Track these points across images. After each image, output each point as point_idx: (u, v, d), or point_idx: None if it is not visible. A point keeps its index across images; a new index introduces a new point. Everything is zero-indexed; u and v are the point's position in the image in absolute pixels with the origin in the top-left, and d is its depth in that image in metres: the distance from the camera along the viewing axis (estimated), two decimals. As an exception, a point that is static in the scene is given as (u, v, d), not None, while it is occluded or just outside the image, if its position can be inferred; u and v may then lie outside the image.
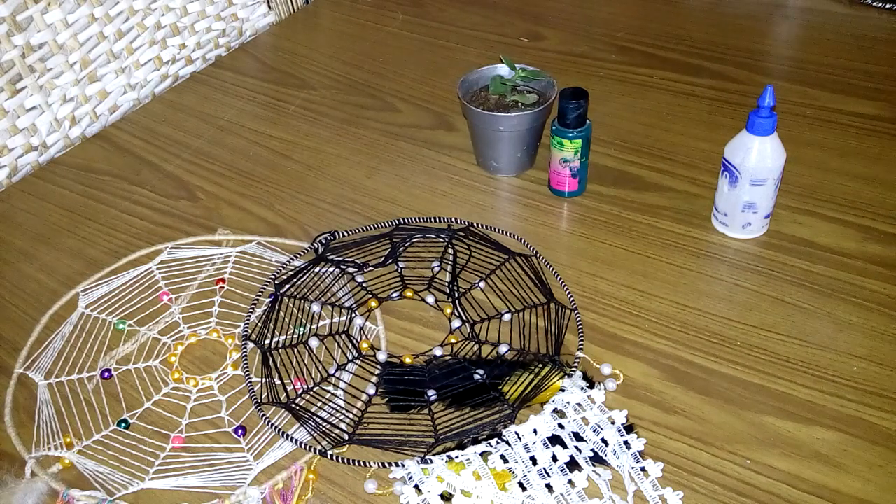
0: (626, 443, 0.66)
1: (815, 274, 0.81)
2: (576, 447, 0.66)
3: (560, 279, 0.82)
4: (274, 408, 0.72)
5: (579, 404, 0.69)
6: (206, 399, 0.74)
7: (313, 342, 0.77)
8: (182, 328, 0.80)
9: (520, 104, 0.92)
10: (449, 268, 0.84)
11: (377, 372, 0.74)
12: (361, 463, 0.66)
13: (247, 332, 0.79)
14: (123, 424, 0.71)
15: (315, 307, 0.81)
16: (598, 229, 0.88)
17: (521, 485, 0.63)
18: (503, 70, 0.97)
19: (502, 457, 0.65)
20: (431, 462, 0.65)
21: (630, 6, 1.31)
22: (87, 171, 1.03)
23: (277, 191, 0.97)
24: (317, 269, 0.85)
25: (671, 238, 0.86)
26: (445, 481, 0.63)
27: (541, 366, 0.72)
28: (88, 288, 0.85)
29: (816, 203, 0.89)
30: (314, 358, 0.76)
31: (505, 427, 0.67)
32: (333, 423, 0.70)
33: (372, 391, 0.73)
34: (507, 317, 0.79)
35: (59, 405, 0.74)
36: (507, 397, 0.70)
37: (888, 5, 1.23)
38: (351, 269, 0.85)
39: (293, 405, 0.71)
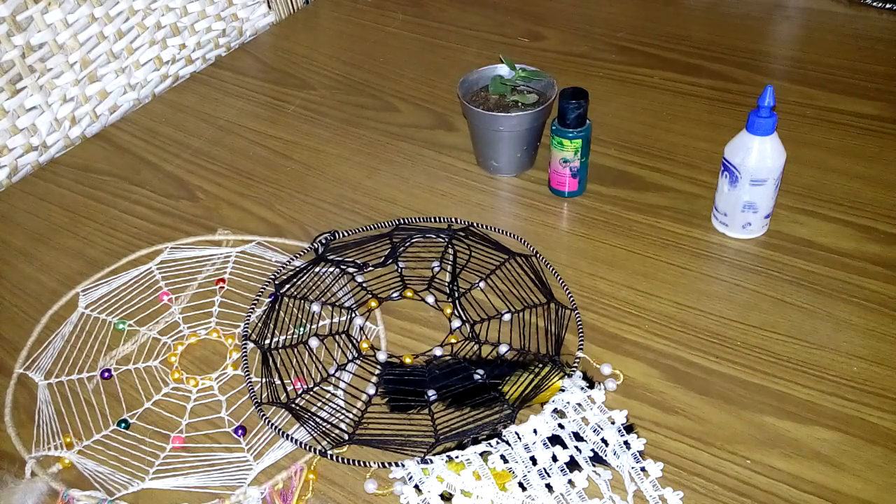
0: (626, 443, 0.66)
1: (815, 274, 0.81)
2: (576, 447, 0.66)
3: (560, 279, 0.82)
4: (274, 408, 0.72)
5: (579, 404, 0.69)
6: (206, 399, 0.74)
7: (313, 342, 0.77)
8: (182, 328, 0.80)
9: (520, 104, 0.92)
10: (449, 268, 0.84)
11: (377, 372, 0.74)
12: (361, 463, 0.66)
13: (247, 332, 0.79)
14: (123, 424, 0.71)
15: (315, 307, 0.81)
16: (598, 229, 0.88)
17: (521, 485, 0.63)
18: (503, 70, 0.97)
19: (502, 457, 0.65)
20: (431, 462, 0.65)
21: (630, 6, 1.31)
22: (87, 171, 1.03)
23: (277, 191, 0.97)
24: (317, 269, 0.85)
25: (671, 238, 0.86)
26: (445, 481, 0.63)
27: (541, 366, 0.72)
28: (88, 288, 0.85)
29: (816, 203, 0.89)
30: (314, 358, 0.76)
31: (505, 427, 0.67)
32: (333, 423, 0.70)
33: (372, 391, 0.73)
34: (507, 317, 0.79)
35: (59, 405, 0.74)
36: (507, 397, 0.70)
37: (888, 5, 1.23)
38: (351, 269, 0.85)
39: (293, 405, 0.71)
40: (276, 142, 1.06)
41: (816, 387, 0.70)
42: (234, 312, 0.82)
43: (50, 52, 1.04)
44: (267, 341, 0.77)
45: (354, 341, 0.78)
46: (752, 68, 1.13)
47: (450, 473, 0.64)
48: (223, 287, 0.84)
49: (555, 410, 0.69)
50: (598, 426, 0.67)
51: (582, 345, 0.75)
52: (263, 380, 0.74)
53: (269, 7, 1.33)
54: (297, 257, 0.87)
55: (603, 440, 0.66)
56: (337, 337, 0.78)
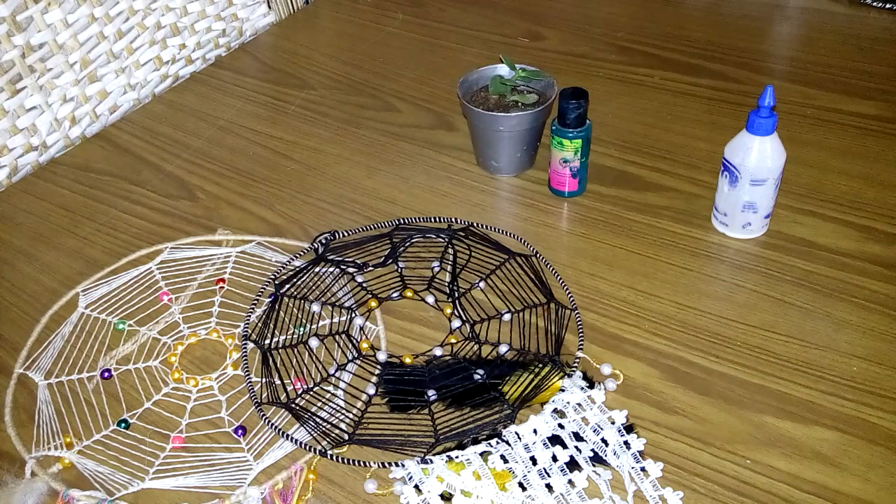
0: (626, 443, 0.66)
1: (815, 274, 0.81)
2: (576, 447, 0.66)
3: (560, 279, 0.82)
4: (274, 408, 0.72)
5: (579, 404, 0.69)
6: (206, 399, 0.74)
7: (313, 342, 0.77)
8: (182, 328, 0.80)
9: (520, 104, 0.92)
10: (449, 268, 0.84)
11: (377, 372, 0.74)
12: (361, 463, 0.66)
13: (247, 332, 0.79)
14: (123, 424, 0.71)
15: (315, 307, 0.81)
16: (598, 229, 0.88)
17: (521, 485, 0.63)
18: (503, 70, 0.97)
19: (502, 457, 0.65)
20: (431, 462, 0.65)
21: (630, 6, 1.31)
22: (87, 171, 1.03)
23: (277, 191, 0.97)
24: (317, 269, 0.85)
25: (671, 238, 0.86)
26: (445, 481, 0.63)
27: (541, 366, 0.72)
28: (88, 288, 0.85)
29: (816, 203, 0.89)
30: (314, 358, 0.76)
31: (505, 427, 0.67)
32: (333, 423, 0.70)
33: (372, 391, 0.73)
34: (507, 317, 0.79)
35: (59, 405, 0.74)
36: (507, 397, 0.70)
37: (888, 5, 1.23)
38: (351, 269, 0.85)
39: (293, 405, 0.71)
40: (276, 142, 1.06)
41: (816, 387, 0.70)
42: (234, 312, 0.82)
43: (50, 52, 1.04)
44: (267, 341, 0.77)
45: (354, 341, 0.78)
46: (752, 68, 1.13)
47: (450, 473, 0.64)
48: (223, 287, 0.84)
49: (555, 410, 0.69)
50: (598, 426, 0.67)
51: (582, 345, 0.75)
52: (263, 380, 0.74)
53: (269, 7, 1.33)
54: (297, 257, 0.87)
55: (603, 440, 0.66)
56: (337, 337, 0.78)
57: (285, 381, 0.74)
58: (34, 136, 1.06)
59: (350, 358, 0.76)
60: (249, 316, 0.80)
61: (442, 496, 0.63)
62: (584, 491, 0.63)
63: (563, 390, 0.70)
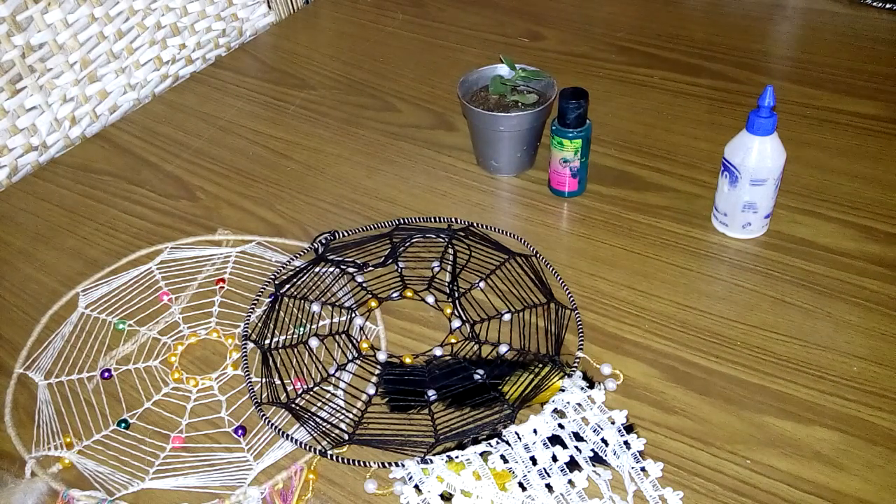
0: (626, 443, 0.66)
1: (815, 274, 0.81)
2: (576, 447, 0.66)
3: (560, 279, 0.82)
4: (274, 408, 0.72)
5: (579, 404, 0.69)
6: (206, 399, 0.74)
7: (313, 342, 0.77)
8: (182, 328, 0.80)
9: (520, 104, 0.92)
10: (449, 268, 0.84)
11: (377, 372, 0.74)
12: (361, 463, 0.66)
13: (247, 332, 0.79)
14: (123, 424, 0.71)
15: (315, 307, 0.81)
16: (598, 229, 0.88)
17: (521, 485, 0.63)
18: (503, 70, 0.97)
19: (502, 457, 0.65)
20: (431, 462, 0.65)
21: (630, 6, 1.31)
22: (87, 171, 1.03)
23: (277, 191, 0.97)
24: (317, 269, 0.85)
25: (671, 238, 0.86)
26: (445, 481, 0.63)
27: (541, 366, 0.72)
28: (88, 288, 0.85)
29: (816, 203, 0.89)
30: (314, 358, 0.76)
31: (505, 427, 0.67)
32: (333, 423, 0.70)
33: (372, 391, 0.73)
34: (507, 317, 0.79)
35: (59, 405, 0.74)
36: (507, 397, 0.70)
37: (888, 5, 1.23)
38: (351, 269, 0.85)
39: (293, 405, 0.71)
40: (276, 142, 1.06)
41: (816, 387, 0.70)
42: (234, 312, 0.82)
43: (50, 52, 1.04)
44: (267, 341, 0.77)
45: (354, 341, 0.78)
46: (752, 68, 1.13)
47: (450, 473, 0.64)
48: (223, 287, 0.84)
49: (555, 410, 0.69)
50: (598, 426, 0.67)
51: (582, 345, 0.75)
52: (263, 380, 0.74)
53: (269, 7, 1.33)
54: (297, 257, 0.87)
55: (603, 440, 0.66)
56: (337, 337, 0.78)
57: (285, 381, 0.74)
58: (34, 136, 1.06)
59: (350, 358, 0.76)
60: (249, 316, 0.80)
61: (442, 496, 0.63)
62: (584, 491, 0.63)
63: (563, 390, 0.70)
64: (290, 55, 1.25)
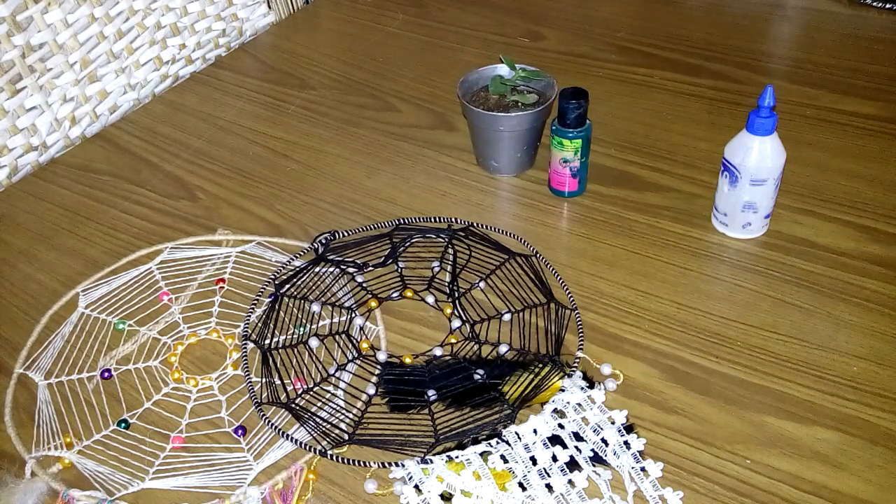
0: (626, 443, 0.66)
1: (815, 274, 0.81)
2: (576, 447, 0.66)
3: (560, 279, 0.82)
4: (274, 408, 0.72)
5: (579, 404, 0.69)
6: (206, 399, 0.74)
7: (313, 342, 0.77)
8: (182, 328, 0.80)
9: (520, 104, 0.92)
10: (449, 268, 0.84)
11: (377, 372, 0.74)
12: (361, 463, 0.66)
13: (247, 332, 0.79)
14: (123, 424, 0.71)
15: (315, 307, 0.81)
16: (598, 229, 0.88)
17: (521, 485, 0.63)
18: (503, 70, 0.97)
19: (502, 457, 0.65)
20: (431, 462, 0.65)
21: (630, 6, 1.31)
22: (87, 171, 1.03)
23: (277, 191, 0.97)
24: (317, 269, 0.85)
25: (671, 238, 0.86)
26: (445, 481, 0.63)
27: (541, 366, 0.72)
28: (88, 288, 0.85)
29: (816, 203, 0.89)
30: (314, 358, 0.76)
31: (505, 427, 0.67)
32: (333, 423, 0.70)
33: (372, 391, 0.73)
34: (507, 317, 0.79)
35: (59, 405, 0.74)
36: (507, 397, 0.70)
37: (888, 5, 1.23)
38: (351, 269, 0.85)
39: (293, 405, 0.71)
40: (276, 142, 1.06)
41: (816, 387, 0.70)
42: (234, 312, 0.82)
43: (50, 52, 1.04)
44: (267, 341, 0.77)
45: (354, 341, 0.78)
46: (752, 68, 1.13)
47: (450, 473, 0.64)
48: (223, 287, 0.84)
49: (555, 410, 0.69)
50: (598, 426, 0.67)
51: (582, 345, 0.75)
52: (263, 380, 0.74)
53: (269, 7, 1.33)
54: (297, 257, 0.87)
55: (603, 440, 0.66)
56: (337, 337, 0.78)
57: (285, 381, 0.74)
58: (34, 136, 1.06)
59: (350, 358, 0.76)
60: (249, 316, 0.80)
61: (442, 496, 0.63)
62: (584, 491, 0.63)
63: (563, 390, 0.70)
64: (290, 55, 1.25)
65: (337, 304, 0.81)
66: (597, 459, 0.65)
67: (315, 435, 0.69)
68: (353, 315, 0.80)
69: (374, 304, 0.81)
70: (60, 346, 0.79)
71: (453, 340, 0.77)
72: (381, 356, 0.76)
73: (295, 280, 0.83)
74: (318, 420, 0.70)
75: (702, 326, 0.77)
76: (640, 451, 0.66)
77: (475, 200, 0.94)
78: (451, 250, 0.86)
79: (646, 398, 0.70)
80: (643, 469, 0.64)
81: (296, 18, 1.36)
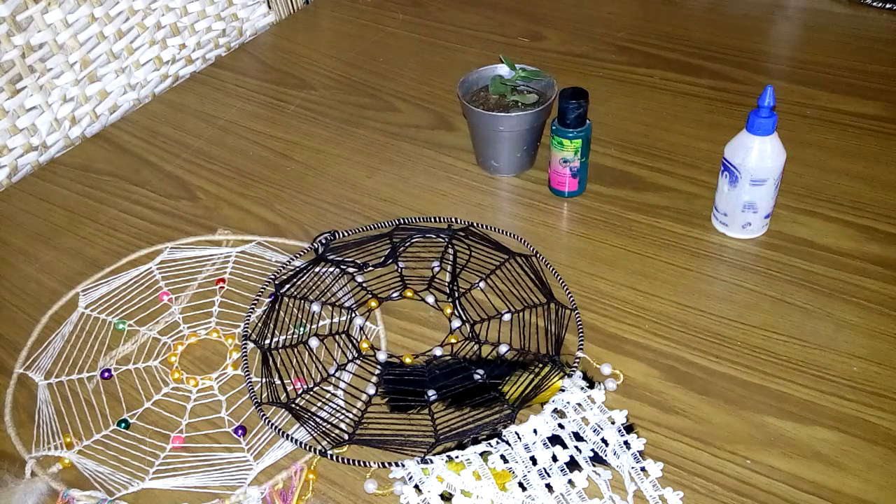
0: (626, 443, 0.66)
1: (815, 274, 0.81)
2: (576, 447, 0.66)
3: (560, 279, 0.82)
4: (274, 408, 0.72)
5: (579, 404, 0.69)
6: (206, 399, 0.74)
7: (313, 342, 0.77)
8: (182, 328, 0.80)
9: (520, 104, 0.92)
10: (449, 268, 0.84)
11: (377, 372, 0.74)
12: (361, 463, 0.66)
13: (247, 332, 0.79)
14: (123, 424, 0.71)
15: (315, 307, 0.81)
16: (598, 229, 0.88)
17: (521, 485, 0.63)
18: (503, 70, 0.97)
19: (502, 457, 0.65)
20: (431, 462, 0.65)
21: (630, 6, 1.31)
22: (87, 171, 1.03)
23: (277, 191, 0.97)
24: (317, 269, 0.85)
25: (671, 238, 0.86)
26: (445, 481, 0.63)
27: (541, 366, 0.72)
28: (88, 288, 0.85)
29: (816, 203, 0.89)
30: (314, 358, 0.76)
31: (505, 427, 0.67)
32: (333, 423, 0.70)
33: (372, 391, 0.73)
34: (507, 317, 0.79)
35: (59, 405, 0.74)
36: (507, 397, 0.70)
37: (888, 5, 1.23)
38: (351, 269, 0.85)
39: (293, 405, 0.71)
40: (276, 142, 1.06)
41: (816, 387, 0.70)
42: (234, 312, 0.82)
43: (50, 52, 1.04)
44: (267, 341, 0.77)
45: (354, 341, 0.78)
46: (752, 68, 1.13)
47: (450, 473, 0.64)
48: (223, 287, 0.84)
49: (555, 410, 0.69)
50: (598, 426, 0.67)
51: (582, 345, 0.75)
52: (263, 380, 0.74)
53: (269, 7, 1.33)
54: (297, 257, 0.87)
55: (603, 440, 0.66)
56: (337, 337, 0.78)
57: (285, 381, 0.74)
58: (34, 136, 1.06)
59: (350, 358, 0.76)
60: (249, 316, 0.80)
61: (442, 496, 0.63)
62: (584, 491, 0.63)
63: (563, 390, 0.70)
64: (290, 55, 1.25)
65: (337, 304, 0.81)
66: (597, 459, 0.65)
67: (315, 435, 0.69)
68: (353, 315, 0.80)
69: (374, 304, 0.81)
70: (60, 346, 0.79)
71: (453, 340, 0.77)
72: (381, 356, 0.76)
73: (295, 280, 0.83)
74: (318, 420, 0.70)
75: (702, 326, 0.77)
76: (640, 451, 0.66)
77: (475, 200, 0.94)
78: (451, 250, 0.86)
79: (646, 398, 0.70)
80: (643, 469, 0.64)
81: (296, 18, 1.36)
